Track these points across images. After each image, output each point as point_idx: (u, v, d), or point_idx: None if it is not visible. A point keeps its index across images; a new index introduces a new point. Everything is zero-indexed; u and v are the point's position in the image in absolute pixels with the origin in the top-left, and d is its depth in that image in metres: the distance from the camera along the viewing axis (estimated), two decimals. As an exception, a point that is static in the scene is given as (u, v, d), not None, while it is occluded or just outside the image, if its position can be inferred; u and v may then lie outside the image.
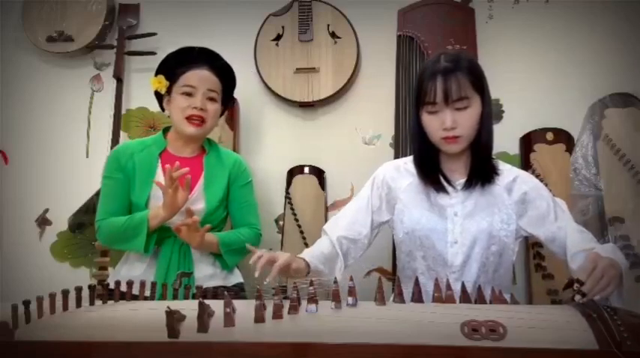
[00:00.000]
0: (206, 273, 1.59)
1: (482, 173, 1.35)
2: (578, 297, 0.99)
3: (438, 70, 1.28)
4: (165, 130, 1.69)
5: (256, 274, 1.11)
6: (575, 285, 1.00)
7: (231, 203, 1.68)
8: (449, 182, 1.37)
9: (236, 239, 1.62)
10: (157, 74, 1.66)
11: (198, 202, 1.59)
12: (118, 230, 1.53)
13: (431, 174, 1.37)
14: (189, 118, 1.58)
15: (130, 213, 1.58)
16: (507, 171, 1.39)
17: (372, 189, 1.44)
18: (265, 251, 1.17)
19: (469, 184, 1.35)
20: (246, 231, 1.66)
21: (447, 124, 1.27)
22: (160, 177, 1.57)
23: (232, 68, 1.72)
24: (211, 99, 1.62)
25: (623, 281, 1.07)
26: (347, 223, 1.41)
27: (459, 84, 1.26)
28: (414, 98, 1.36)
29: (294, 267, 1.20)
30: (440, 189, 1.36)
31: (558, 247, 1.31)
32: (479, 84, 1.30)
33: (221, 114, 1.74)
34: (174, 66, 1.64)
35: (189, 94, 1.59)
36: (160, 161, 1.61)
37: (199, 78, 1.60)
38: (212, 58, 1.67)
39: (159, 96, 1.68)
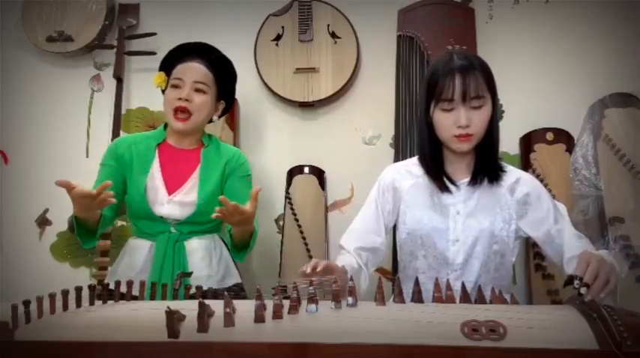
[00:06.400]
0: (201, 274, 1.55)
1: (487, 172, 1.35)
2: (584, 290, 0.99)
3: (454, 68, 1.27)
4: (167, 124, 1.69)
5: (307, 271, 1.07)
6: (576, 282, 1.01)
7: (227, 194, 1.56)
8: (452, 181, 1.37)
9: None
10: (160, 71, 1.67)
11: (192, 193, 1.57)
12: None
13: (435, 172, 1.37)
14: (175, 113, 1.56)
15: (120, 200, 1.55)
16: (510, 172, 1.39)
17: (379, 194, 1.43)
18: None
19: (473, 183, 1.36)
20: None
21: (462, 122, 1.27)
22: (156, 167, 1.57)
23: (230, 61, 1.70)
24: (199, 90, 1.59)
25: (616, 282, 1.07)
26: (361, 234, 1.40)
27: (477, 82, 1.27)
28: (423, 95, 1.35)
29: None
30: (443, 188, 1.36)
31: (554, 250, 1.32)
32: (491, 84, 1.31)
33: (224, 112, 1.73)
34: (171, 61, 1.64)
35: (177, 87, 1.58)
36: (157, 151, 1.61)
37: (188, 69, 1.59)
38: (207, 50, 1.66)
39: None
